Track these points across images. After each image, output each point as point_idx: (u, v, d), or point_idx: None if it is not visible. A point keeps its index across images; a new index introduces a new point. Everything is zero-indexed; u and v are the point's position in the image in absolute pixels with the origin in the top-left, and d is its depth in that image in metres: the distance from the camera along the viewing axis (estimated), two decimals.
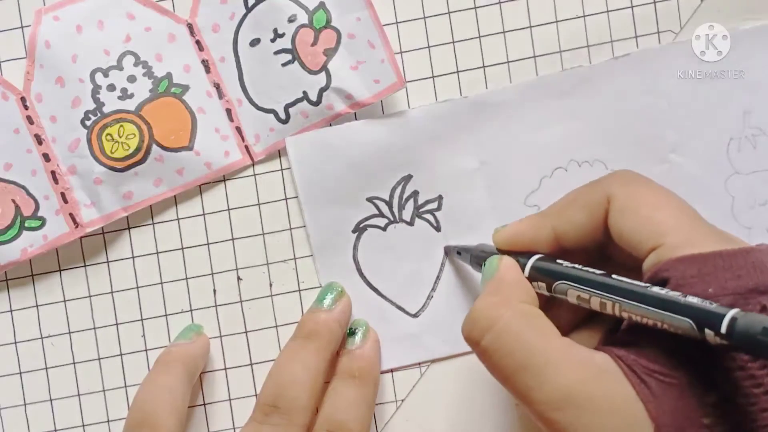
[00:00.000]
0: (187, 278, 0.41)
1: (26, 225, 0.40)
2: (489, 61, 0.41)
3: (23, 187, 0.40)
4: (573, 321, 0.35)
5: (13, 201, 0.40)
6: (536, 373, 0.29)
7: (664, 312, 0.28)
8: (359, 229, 0.41)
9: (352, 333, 0.39)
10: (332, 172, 0.40)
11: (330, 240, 0.41)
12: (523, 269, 0.33)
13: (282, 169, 0.41)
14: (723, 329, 0.26)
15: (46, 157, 0.40)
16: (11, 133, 0.40)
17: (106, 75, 0.40)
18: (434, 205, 0.40)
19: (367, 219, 0.41)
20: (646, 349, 0.29)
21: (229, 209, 0.41)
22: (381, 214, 0.41)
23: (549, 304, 0.34)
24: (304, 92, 0.40)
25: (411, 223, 0.41)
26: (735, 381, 0.28)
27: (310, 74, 0.39)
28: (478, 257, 0.37)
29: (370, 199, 0.40)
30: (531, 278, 0.33)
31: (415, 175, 0.40)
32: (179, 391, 0.37)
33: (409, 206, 0.41)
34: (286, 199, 0.41)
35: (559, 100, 0.40)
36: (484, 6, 0.41)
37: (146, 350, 0.41)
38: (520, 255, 0.34)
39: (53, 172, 0.40)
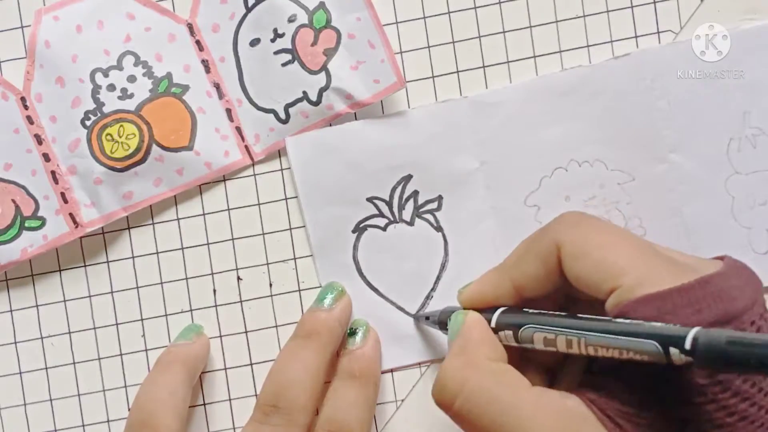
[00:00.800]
0: (187, 278, 0.41)
1: (26, 225, 0.40)
2: (489, 61, 0.41)
3: (23, 187, 0.40)
4: (547, 371, 0.35)
5: (13, 201, 0.40)
6: (512, 431, 0.29)
7: (629, 338, 0.28)
8: (359, 229, 0.41)
9: (352, 333, 0.39)
10: (332, 172, 0.40)
11: (330, 240, 0.41)
12: (489, 323, 0.33)
13: (282, 169, 0.41)
14: (687, 345, 0.26)
15: (46, 157, 0.40)
16: (11, 133, 0.40)
17: (106, 75, 0.40)
18: (434, 205, 0.40)
19: (367, 219, 0.41)
20: (617, 392, 0.29)
21: (229, 209, 0.41)
22: (381, 214, 0.41)
23: (522, 358, 0.34)
24: (304, 92, 0.40)
25: (411, 223, 0.41)
26: (707, 414, 0.28)
27: (310, 74, 0.39)
28: (442, 321, 0.37)
29: (370, 199, 0.40)
30: (497, 330, 0.33)
31: (415, 175, 0.40)
32: (180, 392, 0.37)
33: (409, 206, 0.41)
34: (286, 199, 0.41)
35: (559, 99, 0.40)
36: (484, 6, 0.41)
37: (146, 350, 0.41)
38: (485, 311, 0.34)
39: (53, 172, 0.40)
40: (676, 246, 0.36)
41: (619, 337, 0.28)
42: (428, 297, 0.40)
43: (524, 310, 0.33)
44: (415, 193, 0.40)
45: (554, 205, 0.39)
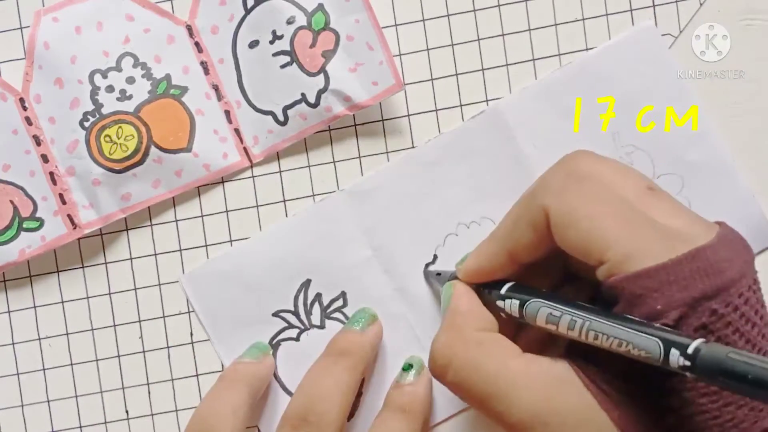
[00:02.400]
0: None
1: (24, 226, 0.40)
2: (488, 63, 0.41)
3: (21, 188, 0.40)
4: (541, 340, 0.35)
5: (12, 202, 0.40)
6: (502, 399, 0.30)
7: (632, 331, 0.28)
8: (273, 346, 0.40)
9: (406, 368, 0.39)
10: (232, 297, 0.40)
11: None
12: (496, 297, 0.33)
13: (280, 171, 0.41)
14: (690, 350, 0.26)
15: (45, 158, 0.40)
16: (10, 134, 0.40)
17: (105, 76, 0.40)
18: (340, 302, 0.40)
19: (278, 334, 0.40)
20: (603, 360, 0.30)
21: (227, 211, 0.41)
22: (291, 325, 0.40)
23: (517, 327, 0.34)
24: (303, 94, 0.40)
25: (322, 326, 0.40)
26: (691, 408, 0.28)
27: (309, 76, 0.39)
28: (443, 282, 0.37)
29: (275, 314, 0.40)
30: (504, 298, 0.33)
31: (314, 278, 0.40)
32: (242, 411, 0.37)
33: (316, 310, 0.40)
34: (284, 201, 0.41)
35: (431, 170, 0.40)
36: (482, 9, 0.41)
37: (144, 352, 0.41)
38: (489, 285, 0.34)
39: (51, 173, 0.40)
40: None
41: (623, 328, 0.28)
42: (359, 395, 0.40)
43: (533, 288, 0.33)
44: (318, 295, 0.40)
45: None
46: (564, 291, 0.35)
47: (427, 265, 0.40)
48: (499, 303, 0.33)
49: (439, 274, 0.39)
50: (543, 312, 0.31)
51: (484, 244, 0.35)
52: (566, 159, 0.33)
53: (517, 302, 0.32)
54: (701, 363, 0.26)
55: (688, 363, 0.26)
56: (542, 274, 0.35)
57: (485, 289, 0.34)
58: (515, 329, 0.35)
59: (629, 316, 0.29)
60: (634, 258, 0.29)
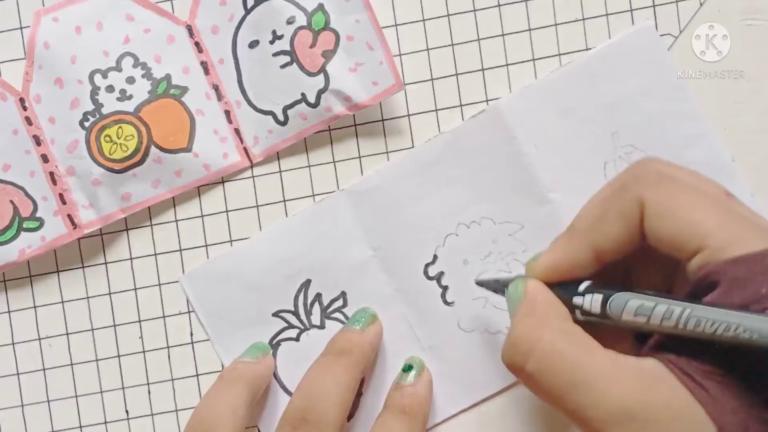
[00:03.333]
0: None
1: (24, 226, 0.40)
2: (488, 63, 0.41)
3: (21, 188, 0.40)
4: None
5: (12, 202, 0.40)
6: (588, 390, 0.28)
7: (742, 312, 0.26)
8: (273, 346, 0.40)
9: (407, 369, 0.39)
10: (232, 297, 0.40)
11: None
12: (572, 295, 0.32)
13: (280, 171, 0.41)
14: None
15: (45, 158, 0.40)
16: (10, 134, 0.40)
17: (105, 76, 0.40)
18: (340, 303, 0.40)
19: (278, 334, 0.40)
20: (697, 352, 0.28)
21: (227, 211, 0.41)
22: (290, 326, 0.40)
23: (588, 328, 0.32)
24: (303, 94, 0.40)
25: (322, 326, 0.40)
26: None
27: (309, 76, 0.39)
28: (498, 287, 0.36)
29: (275, 314, 0.40)
30: (584, 294, 0.31)
31: (314, 278, 0.40)
32: (242, 411, 0.37)
33: (316, 310, 0.40)
34: (284, 201, 0.41)
35: (430, 169, 0.40)
36: (482, 9, 0.41)
37: (144, 352, 0.41)
38: (559, 285, 0.32)
39: (52, 173, 0.40)
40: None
41: (730, 310, 0.27)
42: (359, 395, 0.40)
43: (612, 285, 0.31)
44: (318, 295, 0.40)
45: (454, 271, 0.40)
46: None
47: (479, 278, 0.39)
48: (577, 300, 0.31)
49: (497, 280, 0.37)
50: (632, 304, 0.29)
51: (563, 239, 0.33)
52: (646, 162, 0.32)
53: (600, 296, 0.30)
54: None
55: None
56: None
57: (558, 289, 0.32)
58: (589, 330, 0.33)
59: (722, 305, 0.27)
60: (735, 245, 0.28)
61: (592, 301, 0.31)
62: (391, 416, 0.37)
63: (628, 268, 0.33)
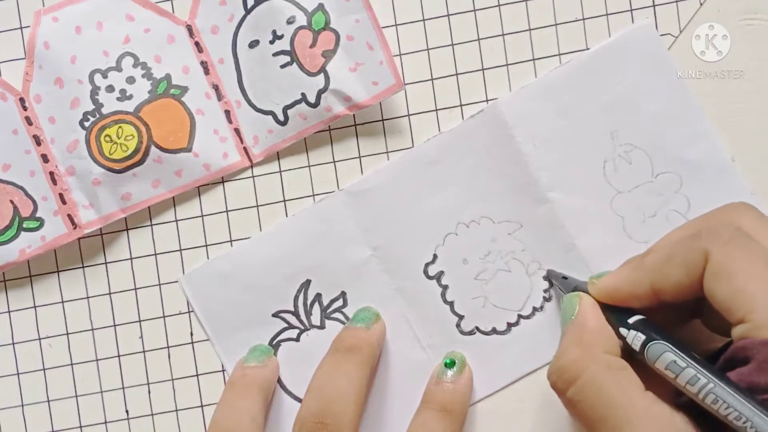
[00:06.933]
0: None
1: (24, 226, 0.40)
2: (488, 63, 0.41)
3: (21, 188, 0.40)
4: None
5: (12, 202, 0.40)
6: (615, 429, 0.30)
7: (757, 409, 0.27)
8: (273, 347, 0.40)
9: (449, 365, 0.38)
10: (232, 298, 0.40)
11: None
12: (621, 324, 0.33)
13: (280, 171, 0.41)
14: None
15: (45, 158, 0.40)
16: (10, 134, 0.40)
17: (105, 76, 0.40)
18: (340, 303, 0.40)
19: (278, 334, 0.40)
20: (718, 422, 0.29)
21: (227, 211, 0.41)
22: (291, 326, 0.40)
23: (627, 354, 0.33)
24: (303, 94, 0.40)
25: (322, 327, 0.40)
26: None
27: (309, 76, 0.39)
28: (578, 288, 0.36)
29: (275, 314, 0.40)
30: (630, 327, 0.32)
31: (313, 278, 0.40)
32: (259, 418, 0.37)
33: (316, 310, 0.40)
34: (284, 201, 0.41)
35: (430, 169, 0.40)
36: (482, 9, 0.41)
37: (144, 352, 0.41)
38: (615, 309, 0.33)
39: (52, 173, 0.40)
40: (582, 276, 0.37)
41: (748, 403, 0.27)
42: None
43: (659, 327, 0.32)
44: (318, 295, 0.40)
45: (454, 271, 0.40)
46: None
47: (551, 270, 0.40)
48: (622, 331, 0.32)
49: (565, 278, 0.38)
50: (666, 357, 0.30)
51: (629, 268, 0.34)
52: (735, 209, 0.32)
53: (643, 337, 0.31)
54: None
55: None
56: (671, 316, 0.34)
57: (611, 311, 0.33)
58: (629, 356, 0.34)
59: (751, 392, 0.28)
60: None
61: (634, 338, 0.32)
62: (432, 415, 0.37)
63: (700, 301, 0.33)
